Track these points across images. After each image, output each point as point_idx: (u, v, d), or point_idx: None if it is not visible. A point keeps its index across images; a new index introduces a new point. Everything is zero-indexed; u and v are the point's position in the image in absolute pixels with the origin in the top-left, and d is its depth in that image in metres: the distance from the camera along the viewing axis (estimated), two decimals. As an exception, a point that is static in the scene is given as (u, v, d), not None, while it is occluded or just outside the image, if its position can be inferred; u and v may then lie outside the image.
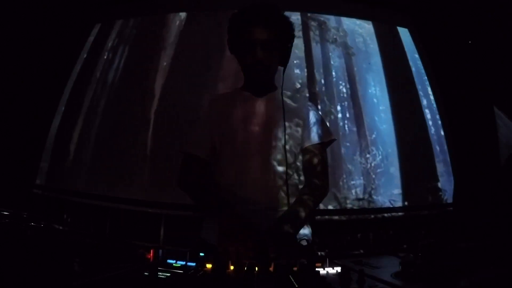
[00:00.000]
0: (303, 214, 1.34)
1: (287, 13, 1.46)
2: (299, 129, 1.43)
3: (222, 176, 1.44)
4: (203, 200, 1.42)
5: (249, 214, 1.31)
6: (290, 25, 1.44)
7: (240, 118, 1.43)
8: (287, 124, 1.38)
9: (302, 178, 1.45)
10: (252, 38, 1.37)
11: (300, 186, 1.44)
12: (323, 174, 1.45)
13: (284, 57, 1.45)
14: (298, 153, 1.43)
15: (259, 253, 1.12)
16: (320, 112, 1.58)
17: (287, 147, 1.38)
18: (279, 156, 1.38)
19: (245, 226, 1.21)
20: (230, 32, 1.44)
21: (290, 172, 1.38)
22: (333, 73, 3.19)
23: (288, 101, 1.45)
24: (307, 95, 3.03)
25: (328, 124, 1.58)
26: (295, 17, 3.25)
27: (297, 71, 3.11)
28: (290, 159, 1.39)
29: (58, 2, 3.18)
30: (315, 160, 1.43)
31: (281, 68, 1.47)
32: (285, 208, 1.36)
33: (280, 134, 1.38)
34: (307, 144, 1.43)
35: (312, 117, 1.49)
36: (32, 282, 1.01)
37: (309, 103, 1.58)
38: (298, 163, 1.43)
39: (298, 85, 3.07)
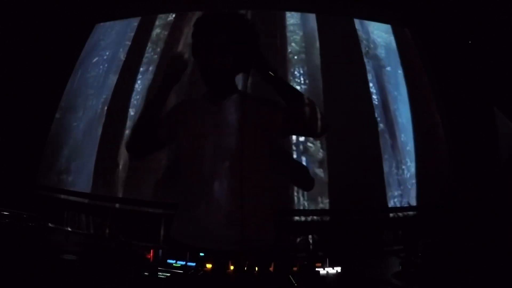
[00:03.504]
0: None
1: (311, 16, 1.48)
2: (261, 132, 1.42)
3: (184, 181, 1.45)
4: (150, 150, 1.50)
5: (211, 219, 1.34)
6: (248, 28, 1.43)
7: (198, 124, 1.44)
8: (245, 129, 1.37)
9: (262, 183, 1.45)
10: (203, 42, 1.39)
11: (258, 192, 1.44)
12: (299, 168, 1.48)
13: (244, 61, 1.41)
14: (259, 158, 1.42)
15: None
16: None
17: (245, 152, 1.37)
18: (235, 162, 1.37)
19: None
20: (192, 37, 1.46)
21: (248, 177, 1.36)
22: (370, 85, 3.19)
23: (252, 104, 1.43)
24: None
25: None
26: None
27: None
28: (249, 163, 1.38)
29: (58, 2, 3.18)
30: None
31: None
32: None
33: (234, 140, 1.37)
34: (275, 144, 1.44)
35: (278, 114, 1.47)
36: (32, 282, 1.01)
37: (273, 101, 1.53)
38: (257, 167, 1.42)
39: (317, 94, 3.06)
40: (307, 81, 3.12)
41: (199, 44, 1.41)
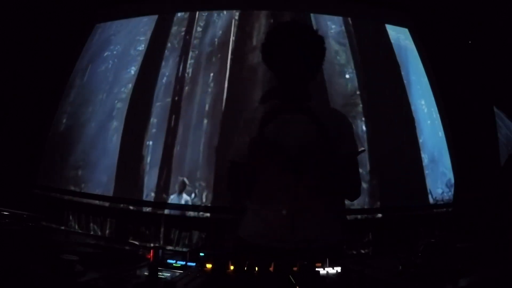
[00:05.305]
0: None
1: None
2: (332, 139, 1.43)
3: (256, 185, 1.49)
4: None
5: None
6: (321, 40, 1.52)
7: (274, 129, 1.45)
8: (317, 134, 1.39)
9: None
10: (286, 51, 1.44)
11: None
12: (356, 182, 1.51)
13: (315, 70, 1.53)
14: (330, 162, 1.42)
15: None
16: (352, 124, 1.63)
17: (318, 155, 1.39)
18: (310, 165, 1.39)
19: None
20: (266, 45, 1.52)
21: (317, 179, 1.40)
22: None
23: (321, 111, 1.45)
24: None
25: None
26: (339, 27, 3.28)
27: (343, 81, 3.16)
28: (321, 167, 1.40)
29: (58, 2, 3.18)
30: (348, 169, 1.47)
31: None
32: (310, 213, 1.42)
33: (310, 144, 1.38)
34: (341, 153, 1.44)
35: (346, 128, 1.53)
36: (32, 282, 1.01)
37: (342, 114, 1.63)
38: (326, 171, 1.43)
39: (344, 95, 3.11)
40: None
41: (277, 52, 1.46)
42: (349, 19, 3.35)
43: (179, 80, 3.18)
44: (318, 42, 1.50)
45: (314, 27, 1.58)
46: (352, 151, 1.49)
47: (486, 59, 3.05)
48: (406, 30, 3.43)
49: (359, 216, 3.00)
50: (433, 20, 3.25)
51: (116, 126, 3.19)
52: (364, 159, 3.01)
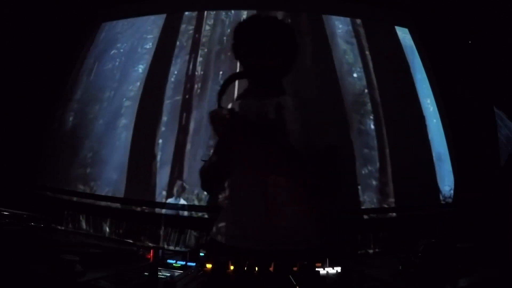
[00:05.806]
0: None
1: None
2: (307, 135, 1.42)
3: (229, 185, 1.47)
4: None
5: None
6: (288, 32, 1.49)
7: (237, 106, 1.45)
8: (288, 129, 1.36)
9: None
10: (255, 44, 1.41)
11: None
12: (334, 178, 1.46)
13: (284, 63, 1.48)
14: (307, 159, 1.40)
15: None
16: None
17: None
18: (277, 165, 1.37)
19: None
20: (236, 39, 1.50)
21: (290, 180, 1.38)
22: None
23: (295, 105, 1.43)
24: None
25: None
26: (346, 26, 3.28)
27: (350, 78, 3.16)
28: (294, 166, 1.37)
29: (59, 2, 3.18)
30: (325, 165, 1.43)
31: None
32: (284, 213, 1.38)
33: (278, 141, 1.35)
34: (317, 149, 1.42)
35: (323, 123, 1.50)
36: (32, 282, 1.01)
37: (324, 109, 1.60)
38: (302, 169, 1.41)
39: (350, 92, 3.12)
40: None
41: (251, 44, 1.43)
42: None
43: (189, 78, 3.18)
44: (284, 35, 1.47)
45: (313, 23, 1.55)
46: (330, 146, 1.45)
47: (486, 59, 3.05)
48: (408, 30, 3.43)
49: (359, 216, 3.00)
50: (433, 20, 3.25)
51: (124, 124, 3.17)
52: (373, 157, 3.02)
